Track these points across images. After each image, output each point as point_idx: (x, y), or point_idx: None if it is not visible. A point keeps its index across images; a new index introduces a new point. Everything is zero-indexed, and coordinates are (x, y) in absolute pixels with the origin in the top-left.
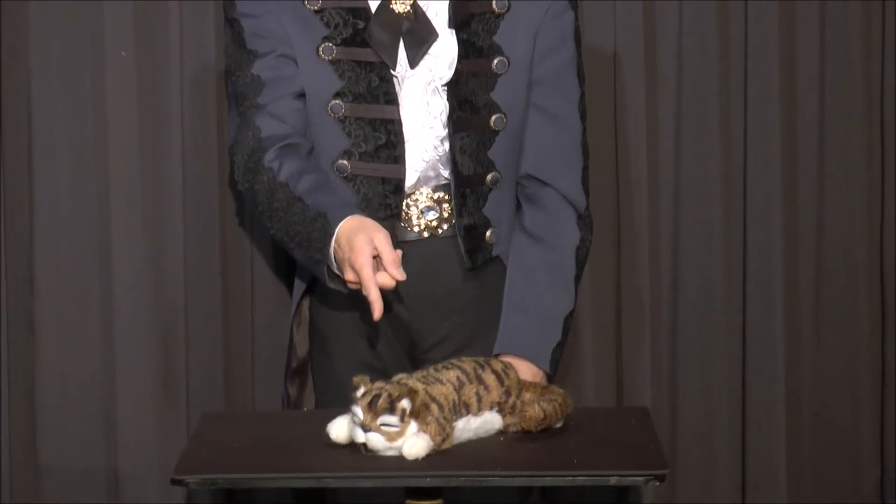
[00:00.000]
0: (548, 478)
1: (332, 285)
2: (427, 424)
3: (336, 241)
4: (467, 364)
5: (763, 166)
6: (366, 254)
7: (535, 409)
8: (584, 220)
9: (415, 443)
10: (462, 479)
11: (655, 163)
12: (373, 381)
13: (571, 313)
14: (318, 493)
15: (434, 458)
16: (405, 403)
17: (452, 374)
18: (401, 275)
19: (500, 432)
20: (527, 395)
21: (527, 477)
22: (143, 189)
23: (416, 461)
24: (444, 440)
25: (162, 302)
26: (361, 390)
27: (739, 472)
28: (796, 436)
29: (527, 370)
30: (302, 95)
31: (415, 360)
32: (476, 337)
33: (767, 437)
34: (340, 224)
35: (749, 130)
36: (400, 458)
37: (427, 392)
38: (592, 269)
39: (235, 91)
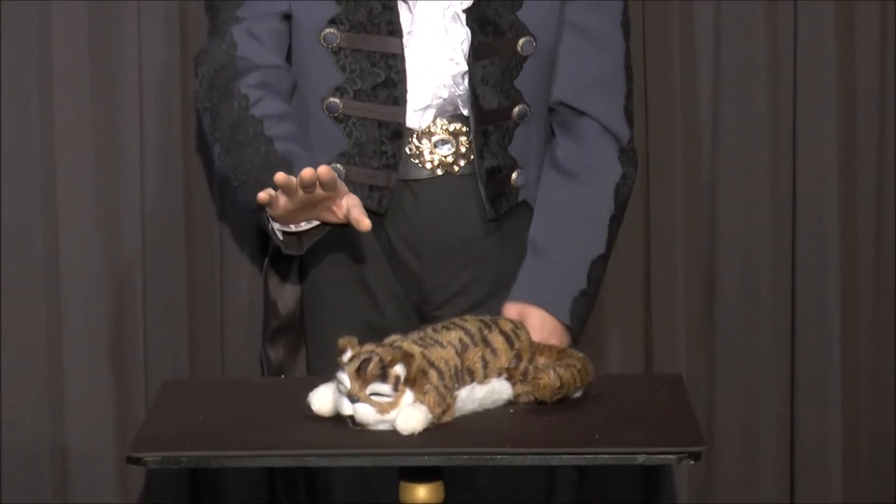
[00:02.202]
0: (565, 455)
1: (274, 238)
2: (424, 394)
3: None
4: (471, 324)
5: (817, 102)
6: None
7: (550, 377)
8: (627, 154)
9: (410, 415)
10: (465, 457)
11: (692, 99)
12: (362, 343)
13: (603, 258)
14: (295, 475)
15: (433, 432)
16: (399, 370)
17: (454, 336)
18: (363, 219)
19: (510, 403)
20: (540, 360)
21: (540, 455)
22: (93, 126)
23: (411, 436)
24: (444, 412)
25: (116, 254)
26: (348, 354)
27: (787, 449)
28: (853, 408)
29: (541, 321)
30: (287, 17)
31: (424, 317)
32: (495, 292)
33: (820, 411)
34: None
35: (799, 57)
36: (393, 434)
37: (425, 356)
38: None
39: (212, 2)
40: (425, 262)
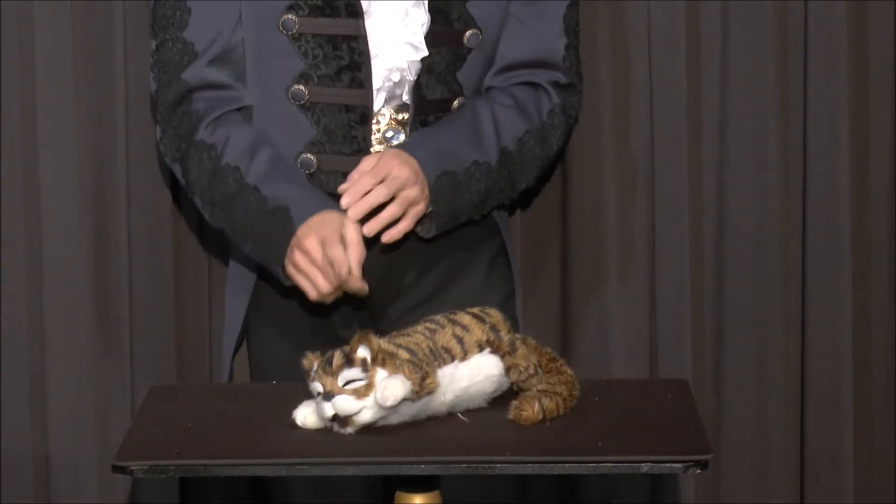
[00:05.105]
0: (567, 464)
1: (287, 283)
2: (397, 367)
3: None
4: (436, 316)
5: (827, 90)
6: (336, 232)
7: (534, 409)
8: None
9: (388, 384)
10: (464, 465)
11: (697, 87)
12: (324, 354)
13: (483, 165)
14: (275, 486)
15: (429, 441)
16: (363, 351)
17: (420, 328)
18: (358, 283)
19: (504, 378)
20: (520, 350)
21: (541, 463)
22: (78, 124)
23: (408, 445)
24: (424, 379)
25: (101, 252)
26: (315, 366)
27: (797, 457)
28: (866, 414)
29: (407, 159)
30: (239, 20)
31: (374, 313)
32: (447, 284)
33: (831, 417)
34: (304, 223)
35: (810, 45)
36: (388, 443)
37: (390, 342)
38: (619, 211)
39: (155, 9)
40: (371, 261)
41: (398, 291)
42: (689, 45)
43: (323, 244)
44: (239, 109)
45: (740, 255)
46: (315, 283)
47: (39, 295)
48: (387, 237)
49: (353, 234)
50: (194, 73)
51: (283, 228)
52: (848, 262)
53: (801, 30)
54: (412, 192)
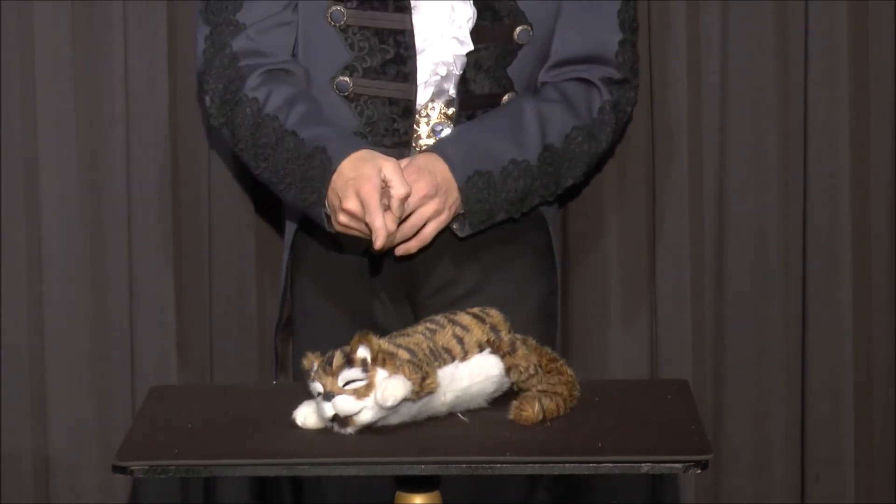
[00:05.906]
0: (567, 464)
1: (331, 230)
2: (398, 368)
3: (337, 173)
4: (436, 316)
5: (827, 90)
6: (375, 182)
7: (535, 410)
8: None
9: (388, 384)
10: (464, 465)
11: (697, 88)
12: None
13: (521, 163)
14: (284, 486)
15: (429, 441)
16: (363, 351)
17: (420, 328)
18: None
19: (504, 378)
20: (520, 351)
21: (541, 464)
22: (76, 112)
23: (408, 445)
24: (424, 379)
25: (101, 252)
26: (315, 366)
27: (797, 457)
28: (866, 414)
29: (429, 170)
30: (293, 7)
31: (416, 305)
32: (489, 277)
33: (832, 416)
34: (343, 161)
35: (811, 46)
36: (388, 443)
37: (390, 343)
38: (620, 210)
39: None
40: (419, 251)
41: (438, 286)
42: (689, 45)
43: (363, 205)
44: (286, 72)
45: (740, 256)
46: (366, 238)
47: (39, 295)
48: (400, 251)
49: (392, 172)
50: (241, 42)
51: (321, 169)
52: (848, 262)
53: (802, 30)
54: (428, 208)
